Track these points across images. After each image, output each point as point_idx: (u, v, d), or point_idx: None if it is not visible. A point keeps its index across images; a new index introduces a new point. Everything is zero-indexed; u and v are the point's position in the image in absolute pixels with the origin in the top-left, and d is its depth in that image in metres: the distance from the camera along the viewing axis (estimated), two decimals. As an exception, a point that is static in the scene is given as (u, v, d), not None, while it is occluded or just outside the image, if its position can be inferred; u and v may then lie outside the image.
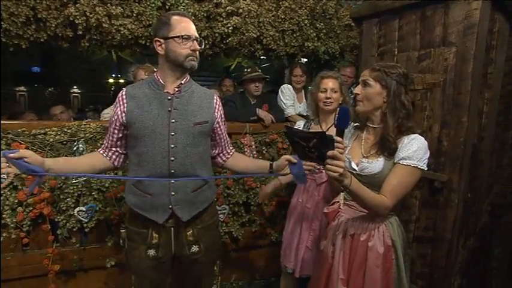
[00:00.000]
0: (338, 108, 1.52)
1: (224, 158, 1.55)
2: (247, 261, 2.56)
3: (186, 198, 1.35)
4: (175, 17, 1.30)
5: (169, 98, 1.32)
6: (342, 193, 1.44)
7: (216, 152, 1.54)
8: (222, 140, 1.52)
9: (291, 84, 2.83)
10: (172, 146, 1.31)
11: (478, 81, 1.78)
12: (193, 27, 1.33)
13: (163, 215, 1.33)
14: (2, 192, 1.83)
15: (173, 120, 1.31)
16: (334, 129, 1.81)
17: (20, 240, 1.91)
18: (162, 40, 1.29)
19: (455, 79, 1.79)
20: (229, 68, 7.46)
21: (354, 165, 1.35)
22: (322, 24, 2.77)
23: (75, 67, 8.67)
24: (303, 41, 2.76)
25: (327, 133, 1.76)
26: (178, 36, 1.27)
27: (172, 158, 1.31)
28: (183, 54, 1.28)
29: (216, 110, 1.44)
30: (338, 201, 1.47)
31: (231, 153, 1.56)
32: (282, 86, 2.84)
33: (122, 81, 9.58)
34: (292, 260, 1.91)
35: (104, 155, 1.39)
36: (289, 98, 2.71)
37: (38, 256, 1.95)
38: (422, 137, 1.28)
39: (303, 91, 2.88)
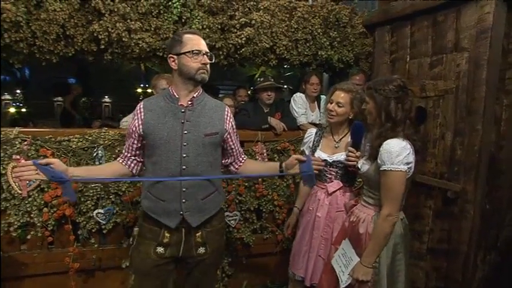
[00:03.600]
0: (353, 124, 1.67)
1: (237, 166, 1.62)
2: (258, 267, 2.58)
3: (196, 205, 1.42)
4: (187, 35, 1.41)
5: (182, 110, 1.42)
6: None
7: (229, 161, 1.61)
8: (234, 150, 1.58)
9: (304, 92, 2.85)
10: (184, 155, 1.39)
11: (493, 87, 1.71)
12: (203, 43, 1.43)
13: (174, 220, 1.41)
14: (30, 193, 2.00)
15: (186, 132, 1.40)
16: (347, 140, 1.84)
17: (45, 239, 2.07)
18: (175, 56, 1.40)
19: (468, 85, 1.73)
20: (253, 77, 7.58)
21: (359, 165, 1.61)
22: (335, 32, 2.77)
23: (106, 78, 9.20)
24: (316, 50, 2.78)
25: (338, 145, 1.83)
26: (189, 52, 1.37)
27: (184, 167, 1.39)
28: (194, 68, 1.38)
29: (227, 122, 1.51)
30: (359, 197, 1.70)
31: (243, 161, 1.63)
32: (294, 95, 2.88)
33: (149, 90, 9.99)
34: (301, 267, 1.90)
35: (124, 163, 1.50)
36: (301, 107, 2.72)
37: (61, 254, 2.09)
38: (396, 140, 1.40)
39: (316, 100, 2.89)
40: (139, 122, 1.42)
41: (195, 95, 1.45)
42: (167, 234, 1.43)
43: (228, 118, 1.52)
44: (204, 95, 1.50)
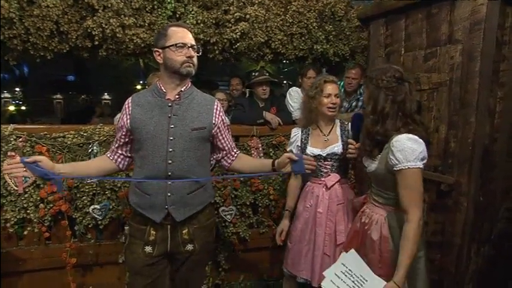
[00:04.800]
0: (353, 115, 1.65)
1: (229, 161, 1.58)
2: (255, 262, 2.59)
3: (181, 199, 1.41)
4: (172, 28, 1.39)
5: (169, 104, 1.41)
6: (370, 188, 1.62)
7: (220, 156, 1.58)
8: (225, 145, 1.55)
9: (300, 87, 2.85)
10: (171, 149, 1.38)
11: (487, 79, 1.70)
12: (189, 36, 1.40)
13: (159, 214, 1.40)
14: (26, 190, 2.02)
15: (172, 126, 1.38)
16: (337, 134, 1.84)
17: (42, 235, 2.08)
18: (160, 50, 1.39)
19: (462, 78, 1.73)
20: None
21: (365, 163, 1.53)
22: (331, 26, 2.76)
23: (105, 75, 9.19)
24: (311, 44, 2.77)
25: (328, 138, 1.81)
26: (173, 45, 1.35)
27: (170, 161, 1.38)
28: (179, 61, 1.36)
29: (216, 116, 1.48)
30: (367, 194, 1.63)
31: (235, 156, 1.58)
32: (290, 89, 2.87)
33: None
34: (303, 269, 1.85)
35: (111, 158, 1.50)
36: (296, 101, 2.72)
37: (58, 250, 2.10)
38: (407, 135, 1.31)
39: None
40: (127, 117, 1.42)
41: (182, 89, 1.43)
42: (153, 232, 1.42)
43: (217, 112, 1.49)
44: (192, 89, 1.48)
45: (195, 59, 1.40)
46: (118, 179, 1.54)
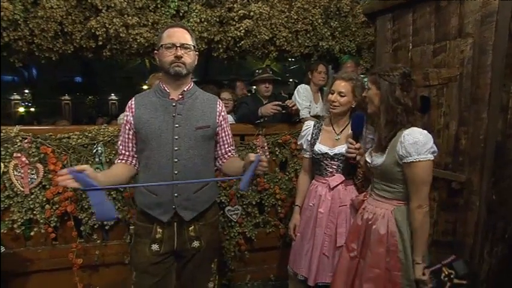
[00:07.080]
0: (353, 114, 1.64)
1: (221, 163, 1.58)
2: (262, 262, 2.57)
3: (188, 199, 1.41)
4: (167, 29, 1.40)
5: (173, 104, 1.41)
6: (370, 185, 1.62)
7: (214, 156, 1.58)
8: (221, 146, 1.55)
9: (309, 83, 2.79)
10: (176, 148, 1.38)
11: (499, 74, 1.64)
12: (180, 35, 1.38)
13: (167, 214, 1.41)
14: (32, 191, 2.02)
15: (177, 125, 1.39)
16: (348, 131, 1.79)
17: (49, 235, 2.09)
18: (156, 52, 1.41)
19: (473, 72, 1.67)
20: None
21: (368, 159, 1.54)
22: (336, 22, 2.71)
23: (112, 76, 9.29)
24: (317, 41, 2.72)
25: (339, 138, 1.75)
26: (162, 46, 1.37)
27: (176, 160, 1.38)
28: (167, 62, 1.36)
29: (218, 115, 1.49)
30: (367, 191, 1.65)
31: (227, 158, 1.57)
32: (298, 86, 2.82)
33: (155, 88, 10.04)
34: (302, 267, 1.84)
35: (128, 163, 1.47)
36: (305, 99, 2.66)
37: (65, 250, 2.11)
38: (418, 129, 1.36)
39: (319, 91, 2.84)
40: (132, 118, 1.43)
41: (185, 89, 1.44)
42: (159, 230, 1.43)
43: (220, 112, 1.50)
44: (195, 89, 1.48)
45: (186, 59, 1.37)
46: (129, 186, 1.49)
